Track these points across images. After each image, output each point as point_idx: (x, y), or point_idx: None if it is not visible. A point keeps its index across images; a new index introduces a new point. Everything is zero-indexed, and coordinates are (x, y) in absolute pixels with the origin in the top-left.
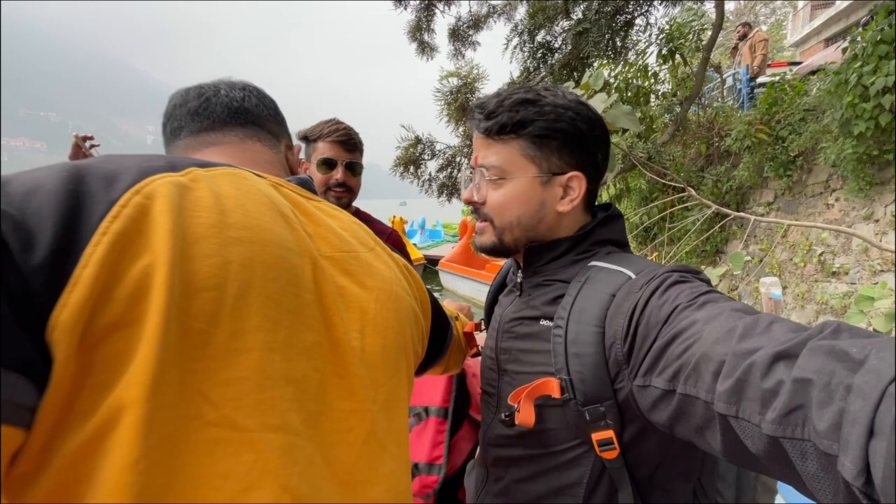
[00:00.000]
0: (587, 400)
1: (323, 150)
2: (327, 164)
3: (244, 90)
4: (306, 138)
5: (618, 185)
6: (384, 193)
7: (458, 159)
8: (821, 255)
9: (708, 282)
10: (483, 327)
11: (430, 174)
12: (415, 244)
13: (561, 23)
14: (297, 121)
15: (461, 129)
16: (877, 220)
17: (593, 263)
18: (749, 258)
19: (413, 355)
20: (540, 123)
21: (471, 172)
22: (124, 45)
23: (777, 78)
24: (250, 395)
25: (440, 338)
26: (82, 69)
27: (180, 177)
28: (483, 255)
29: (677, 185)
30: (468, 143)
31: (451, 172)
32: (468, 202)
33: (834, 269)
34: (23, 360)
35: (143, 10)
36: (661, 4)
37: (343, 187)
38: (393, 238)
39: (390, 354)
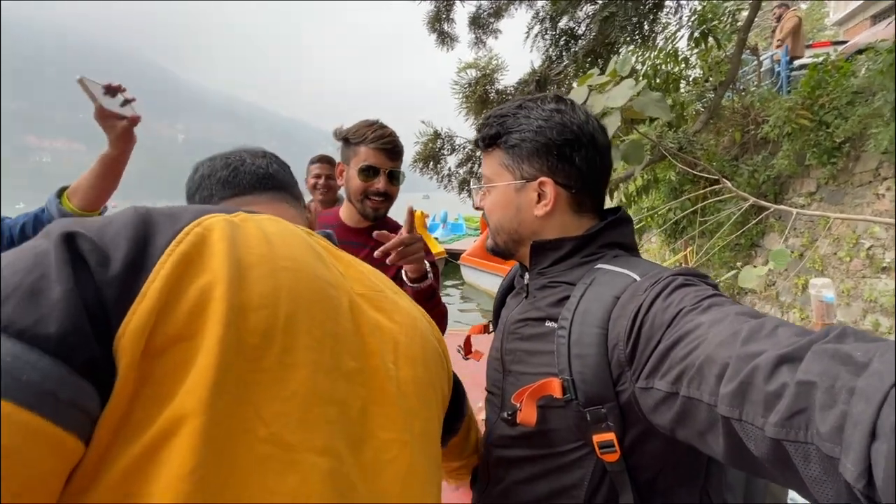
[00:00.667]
0: (588, 401)
1: (366, 155)
2: (369, 172)
3: (265, 157)
4: (346, 140)
5: (645, 177)
6: (406, 187)
7: (478, 153)
8: (869, 248)
9: (715, 286)
10: (491, 329)
11: (449, 169)
12: (436, 238)
13: (585, 7)
14: (321, 118)
15: (480, 120)
16: None
17: (599, 266)
18: (790, 252)
19: (441, 393)
20: (513, 134)
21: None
22: (153, 45)
23: (820, 59)
24: (297, 411)
25: (458, 393)
26: (115, 70)
27: (232, 217)
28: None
29: (710, 176)
30: None
31: (471, 167)
32: (476, 208)
33: (884, 265)
34: (92, 366)
35: (170, 11)
36: None
37: (382, 196)
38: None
39: (421, 387)
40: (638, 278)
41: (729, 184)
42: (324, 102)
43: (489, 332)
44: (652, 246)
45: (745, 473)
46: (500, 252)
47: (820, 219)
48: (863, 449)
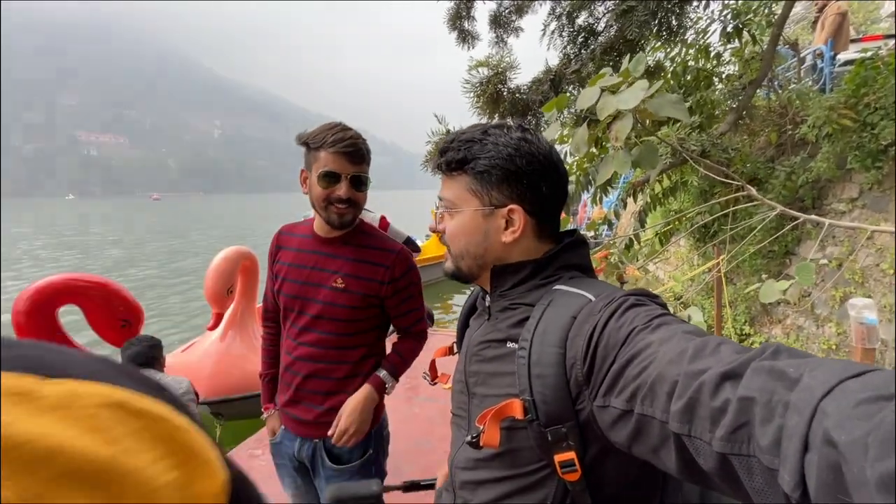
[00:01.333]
0: (549, 420)
1: (325, 160)
2: (330, 178)
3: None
4: (307, 144)
5: (672, 178)
6: (428, 184)
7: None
8: None
9: (664, 305)
10: (455, 350)
11: None
12: None
13: (606, 2)
14: (352, 117)
15: (494, 121)
16: None
17: (557, 287)
18: (826, 261)
19: None
20: (481, 160)
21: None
22: (192, 43)
23: (869, 53)
24: None
25: None
26: (155, 67)
27: None
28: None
29: (735, 183)
30: None
31: None
32: (433, 231)
33: None
34: None
35: (208, 11)
36: None
37: (346, 203)
38: (402, 255)
39: None
40: (593, 299)
41: (754, 191)
42: (353, 99)
43: (454, 354)
44: (680, 249)
45: (699, 487)
46: (459, 276)
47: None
48: (797, 460)
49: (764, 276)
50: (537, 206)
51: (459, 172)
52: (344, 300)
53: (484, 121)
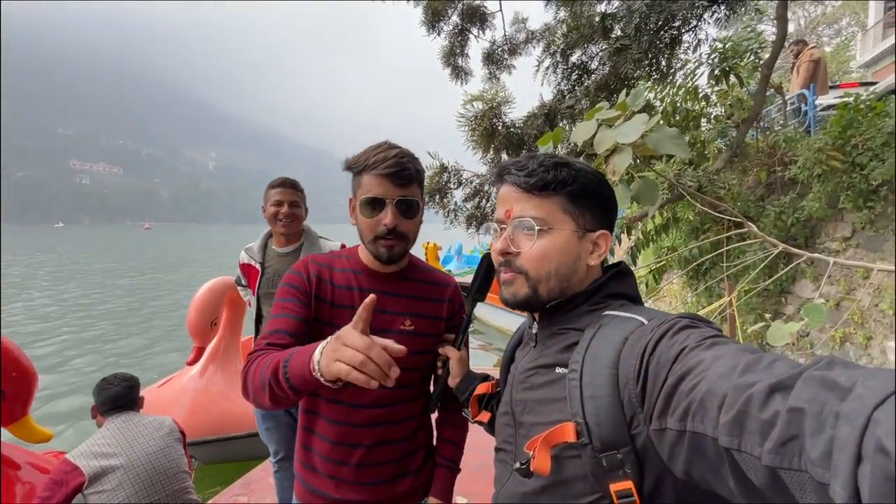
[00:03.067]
0: (604, 445)
1: (368, 185)
2: (373, 205)
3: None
4: (350, 169)
5: (664, 215)
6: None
7: (485, 188)
8: None
9: (719, 330)
10: (499, 387)
11: (455, 203)
12: (450, 270)
13: (599, 42)
14: (349, 151)
15: (489, 156)
16: None
17: (607, 312)
18: (823, 301)
19: None
20: (578, 183)
21: (498, 224)
22: (195, 78)
23: (851, 98)
24: None
25: None
26: (156, 100)
27: None
28: (514, 308)
29: (734, 219)
30: (496, 170)
31: (478, 202)
32: (504, 253)
33: None
34: None
35: (211, 46)
36: (711, 20)
37: (394, 235)
38: (457, 289)
39: None
40: (646, 322)
41: (754, 227)
42: (350, 134)
43: (497, 391)
44: (673, 287)
45: None
46: (534, 302)
47: (858, 266)
48: (850, 472)
49: (767, 315)
50: (611, 232)
51: (553, 193)
52: (416, 345)
53: (478, 156)
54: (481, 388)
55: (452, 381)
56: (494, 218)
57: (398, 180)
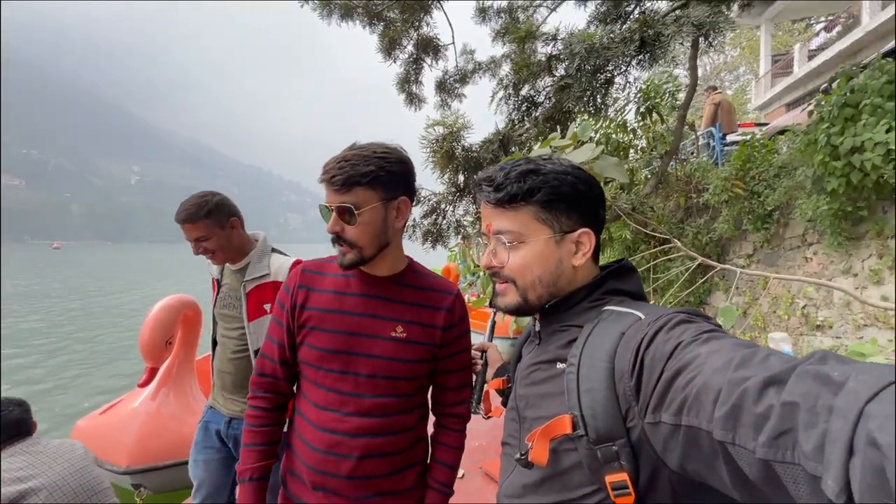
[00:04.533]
0: (599, 437)
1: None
2: (322, 213)
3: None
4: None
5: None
6: None
7: (443, 206)
8: (804, 308)
9: (718, 325)
10: (510, 384)
11: (414, 220)
12: None
13: (545, 79)
14: (285, 169)
15: (446, 176)
16: (855, 275)
17: (607, 308)
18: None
19: None
20: (546, 189)
21: (484, 240)
22: (117, 88)
23: (749, 136)
24: None
25: None
26: (71, 109)
27: None
28: (507, 314)
29: (662, 235)
30: (453, 190)
31: (435, 219)
32: (487, 267)
33: (818, 323)
34: None
35: (134, 53)
36: (637, 65)
37: (341, 242)
38: (460, 298)
39: None
40: (643, 317)
41: (679, 243)
42: (291, 152)
43: (508, 387)
44: None
45: None
46: (525, 309)
47: (759, 278)
48: (842, 465)
49: None
50: (597, 228)
51: (523, 204)
52: (408, 353)
53: (436, 175)
54: (493, 384)
55: (490, 370)
56: (481, 231)
57: (333, 186)
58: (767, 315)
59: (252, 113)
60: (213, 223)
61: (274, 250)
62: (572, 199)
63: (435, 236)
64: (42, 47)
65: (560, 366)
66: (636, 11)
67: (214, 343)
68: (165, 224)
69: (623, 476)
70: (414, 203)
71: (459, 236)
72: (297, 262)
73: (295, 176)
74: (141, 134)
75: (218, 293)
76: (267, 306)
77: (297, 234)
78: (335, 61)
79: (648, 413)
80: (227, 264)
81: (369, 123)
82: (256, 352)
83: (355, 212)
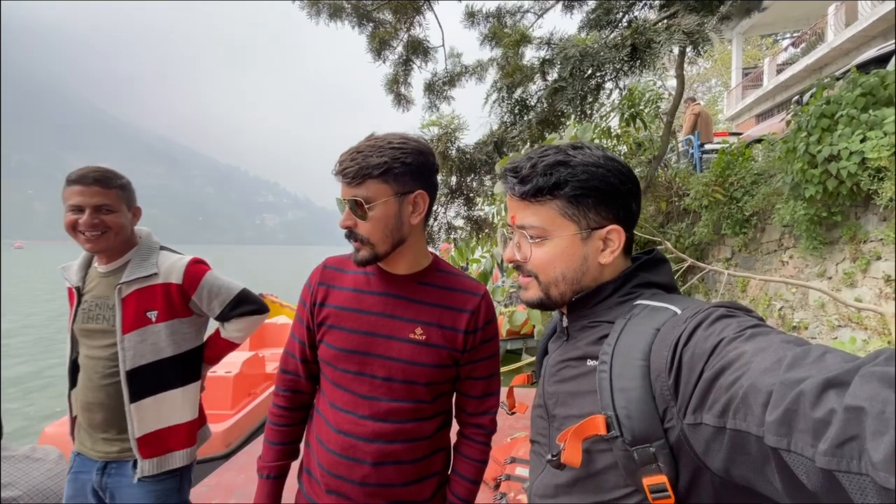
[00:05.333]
0: (635, 439)
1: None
2: (339, 207)
3: None
4: None
5: None
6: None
7: (435, 207)
8: (780, 309)
9: (760, 318)
10: (535, 380)
11: None
12: None
13: (537, 82)
14: (262, 169)
15: (440, 177)
16: (829, 278)
17: (639, 302)
18: None
19: None
20: (574, 184)
21: (508, 232)
22: (86, 83)
23: (728, 144)
24: None
25: None
26: (35, 102)
27: None
28: (530, 308)
29: (649, 237)
30: (446, 191)
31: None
32: (511, 261)
33: (794, 324)
34: None
35: (102, 45)
36: (628, 71)
37: (352, 237)
38: (488, 300)
39: None
40: (679, 312)
41: (670, 245)
42: (267, 152)
43: (532, 384)
44: None
45: None
46: (548, 304)
47: (737, 281)
48: None
49: None
50: (630, 223)
51: (549, 198)
52: (426, 357)
53: None
54: (517, 381)
55: None
56: (506, 224)
57: (345, 179)
58: None
59: (229, 111)
60: (123, 198)
61: (163, 248)
62: (602, 194)
63: (427, 237)
64: (6, 38)
65: (591, 363)
66: (625, 19)
67: (74, 369)
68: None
69: (662, 478)
70: (436, 198)
71: (447, 239)
72: (196, 260)
73: (272, 176)
74: (111, 130)
75: (79, 306)
76: (152, 314)
77: (274, 235)
78: (311, 62)
79: (688, 413)
80: (96, 265)
81: (344, 125)
82: (133, 372)
83: (366, 206)
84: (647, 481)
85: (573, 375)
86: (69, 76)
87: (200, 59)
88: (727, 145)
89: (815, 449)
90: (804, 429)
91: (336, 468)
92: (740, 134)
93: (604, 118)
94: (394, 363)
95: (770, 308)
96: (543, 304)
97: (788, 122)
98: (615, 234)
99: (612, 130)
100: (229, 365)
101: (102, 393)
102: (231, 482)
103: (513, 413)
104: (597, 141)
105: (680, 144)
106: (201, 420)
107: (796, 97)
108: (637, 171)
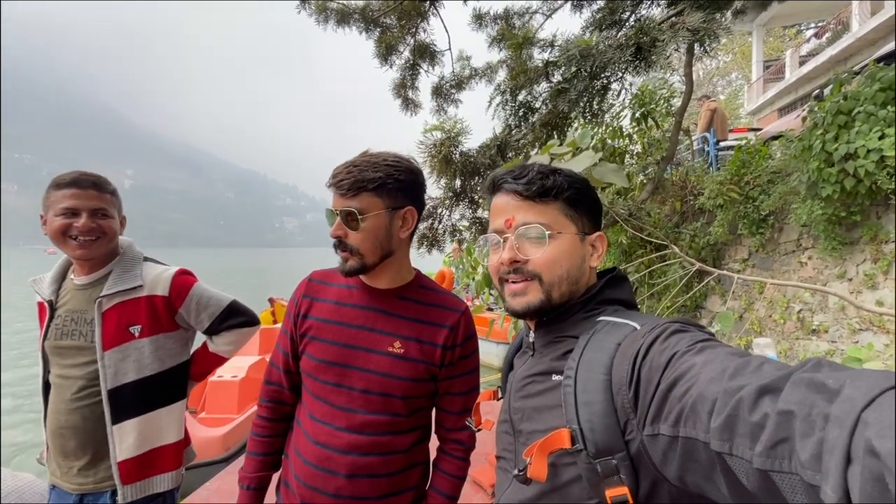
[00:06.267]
0: (598, 451)
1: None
2: (330, 217)
3: None
4: None
5: None
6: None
7: (439, 210)
8: (799, 312)
9: (711, 334)
10: (500, 396)
11: None
12: None
13: (541, 84)
14: (280, 172)
15: (443, 181)
16: (850, 279)
17: (601, 318)
18: (732, 314)
19: None
20: (573, 189)
21: (496, 235)
22: (110, 91)
23: (744, 141)
24: None
25: None
26: (63, 112)
27: None
28: (522, 319)
29: (658, 241)
30: (450, 194)
31: (431, 224)
32: (512, 262)
33: (814, 327)
34: None
35: (126, 57)
36: (632, 71)
37: (342, 247)
38: (468, 317)
39: None
40: (638, 327)
41: (677, 249)
42: (284, 156)
43: (498, 399)
44: None
45: None
46: (546, 308)
47: (755, 283)
48: (840, 474)
49: None
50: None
51: (552, 199)
52: (404, 370)
53: (432, 180)
54: (483, 396)
55: None
56: (492, 229)
57: (340, 190)
58: (763, 320)
59: (247, 117)
60: (115, 204)
61: (147, 259)
62: (591, 202)
63: (430, 241)
64: (33, 50)
65: (555, 378)
66: (632, 19)
67: (47, 389)
68: (160, 228)
69: (623, 490)
70: (421, 215)
71: (454, 240)
72: (183, 271)
73: (291, 180)
74: (134, 137)
75: (51, 321)
76: (135, 329)
77: (293, 238)
78: (324, 69)
79: (647, 425)
80: (72, 277)
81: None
82: (115, 391)
83: (359, 217)
84: (610, 493)
85: (539, 391)
86: (94, 86)
87: (219, 68)
88: (744, 142)
89: (753, 451)
90: (744, 433)
91: (312, 480)
92: (760, 130)
93: (615, 118)
94: (372, 375)
95: (789, 310)
96: (542, 308)
97: (804, 119)
98: (600, 242)
99: (623, 130)
100: (236, 369)
101: (76, 416)
102: (232, 486)
103: (479, 430)
104: (608, 141)
105: (695, 142)
106: (187, 440)
107: (816, 91)
108: (646, 171)
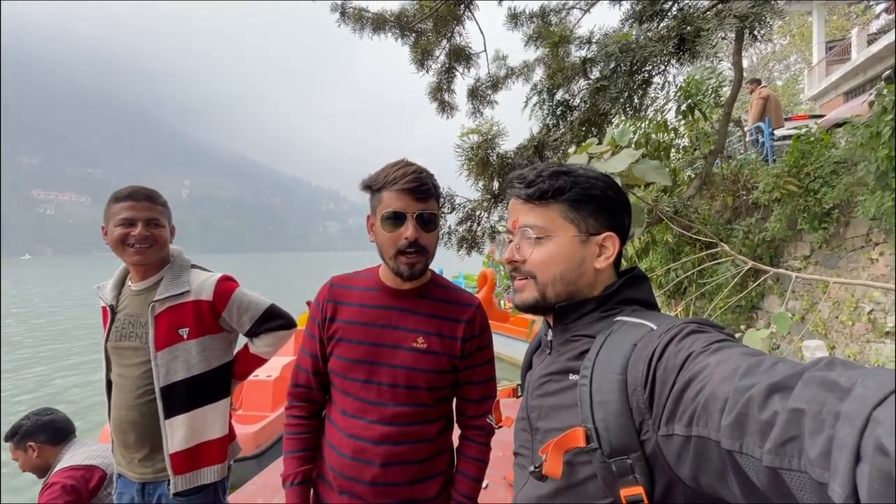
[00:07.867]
0: (613, 451)
1: (388, 201)
2: (394, 219)
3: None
4: (369, 188)
5: (643, 239)
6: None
7: (478, 213)
8: (870, 313)
9: (730, 334)
10: (519, 393)
11: (449, 227)
12: None
13: (579, 82)
14: (323, 178)
15: (481, 183)
16: None
17: (619, 318)
18: (791, 315)
19: None
20: (577, 189)
21: (508, 235)
22: (164, 105)
23: (803, 130)
24: None
25: None
26: (125, 128)
27: None
28: (521, 313)
29: (707, 239)
30: (488, 196)
31: (470, 226)
32: (509, 261)
33: (887, 329)
34: None
35: (181, 73)
36: (677, 63)
37: (415, 248)
38: (482, 310)
39: None
40: (655, 328)
41: (727, 247)
42: (327, 163)
43: (518, 397)
44: None
45: None
46: (541, 305)
47: (818, 282)
48: (848, 471)
49: (742, 326)
50: (622, 235)
51: (552, 201)
52: (427, 363)
53: (470, 182)
54: (503, 394)
55: None
56: (506, 230)
57: (417, 195)
58: (829, 321)
59: (293, 126)
60: (166, 215)
61: (194, 266)
62: (601, 202)
63: (470, 243)
64: (97, 71)
65: (572, 377)
66: (674, 9)
67: (109, 387)
68: (214, 235)
69: (638, 490)
70: (448, 211)
71: (495, 240)
72: (226, 278)
73: (333, 185)
74: (189, 149)
75: (112, 323)
76: (184, 331)
77: (336, 242)
78: (364, 76)
79: (662, 425)
80: (129, 283)
81: (399, 135)
82: (167, 388)
83: (437, 219)
84: (625, 492)
85: (556, 390)
86: (149, 102)
87: (266, 82)
88: (804, 130)
89: (762, 449)
90: (754, 431)
91: (348, 470)
92: (822, 116)
93: (659, 112)
94: (398, 370)
95: (858, 311)
96: (537, 306)
97: (872, 104)
98: (610, 242)
99: (668, 123)
100: (270, 369)
101: (136, 412)
102: (278, 481)
103: (499, 427)
104: (652, 136)
105: (748, 133)
106: (231, 435)
107: (886, 73)
108: (694, 166)
